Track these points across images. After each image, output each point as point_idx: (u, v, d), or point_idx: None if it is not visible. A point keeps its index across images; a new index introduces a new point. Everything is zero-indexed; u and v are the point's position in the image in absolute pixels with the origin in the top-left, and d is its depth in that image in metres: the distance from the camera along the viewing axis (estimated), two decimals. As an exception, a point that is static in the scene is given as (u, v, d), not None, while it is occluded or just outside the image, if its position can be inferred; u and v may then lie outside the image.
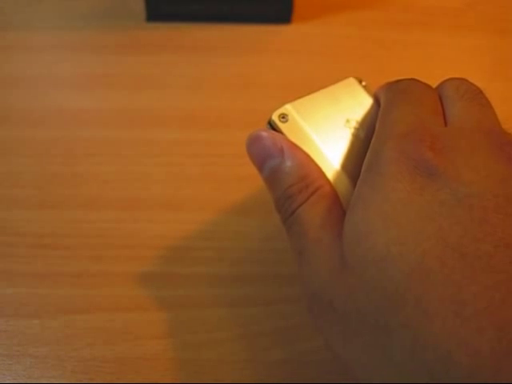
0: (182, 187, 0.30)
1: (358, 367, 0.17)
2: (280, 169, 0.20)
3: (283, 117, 0.21)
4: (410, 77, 0.22)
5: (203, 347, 0.25)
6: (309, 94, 0.22)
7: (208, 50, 0.38)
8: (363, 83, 0.24)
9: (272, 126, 0.21)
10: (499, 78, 0.37)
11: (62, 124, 0.33)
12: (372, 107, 0.23)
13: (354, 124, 0.22)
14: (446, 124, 0.20)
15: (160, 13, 0.39)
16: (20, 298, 0.26)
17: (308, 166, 0.20)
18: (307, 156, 0.21)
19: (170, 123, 0.34)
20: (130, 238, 0.28)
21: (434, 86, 0.22)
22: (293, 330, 0.25)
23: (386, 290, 0.16)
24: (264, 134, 0.21)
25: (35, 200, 0.30)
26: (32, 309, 0.26)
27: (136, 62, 0.37)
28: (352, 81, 0.23)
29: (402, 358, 0.16)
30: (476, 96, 0.21)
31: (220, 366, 0.24)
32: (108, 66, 0.37)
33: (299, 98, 0.22)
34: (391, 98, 0.21)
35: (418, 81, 0.22)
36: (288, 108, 0.22)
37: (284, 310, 0.26)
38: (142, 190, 0.30)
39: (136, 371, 0.24)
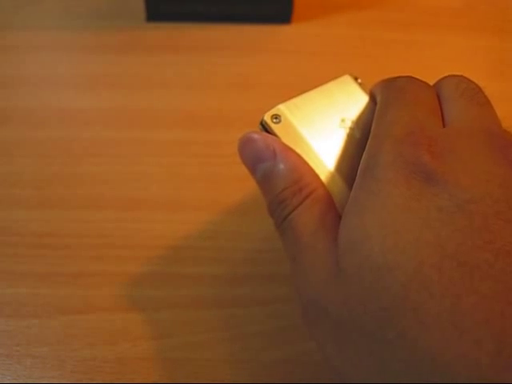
0: (181, 187, 0.30)
1: (352, 377, 0.17)
2: (273, 172, 0.19)
3: (276, 117, 0.20)
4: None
5: (203, 347, 0.25)
6: (303, 92, 0.22)
7: (208, 50, 0.38)
8: (359, 80, 0.23)
9: (264, 127, 0.21)
10: (499, 78, 0.37)
11: (62, 124, 0.33)
12: (368, 105, 0.22)
13: (349, 124, 0.21)
14: (444, 124, 0.19)
15: (160, 13, 0.39)
16: (20, 298, 0.26)
17: (301, 169, 0.20)
18: (300, 158, 0.20)
19: (170, 123, 0.34)
20: (130, 238, 0.28)
21: (434, 86, 0.22)
22: (292, 329, 0.25)
23: (383, 301, 0.16)
24: (256, 136, 0.20)
25: (35, 200, 0.30)
26: (32, 309, 0.26)
27: (136, 62, 0.37)
28: (347, 78, 0.23)
29: (399, 369, 0.15)
30: (475, 94, 0.20)
31: (219, 365, 0.24)
32: (108, 66, 0.37)
33: (293, 97, 0.21)
34: (387, 97, 0.21)
35: (416, 78, 0.21)
36: (281, 108, 0.21)
37: (283, 310, 0.26)
38: (142, 190, 0.30)
39: (136, 371, 0.24)
